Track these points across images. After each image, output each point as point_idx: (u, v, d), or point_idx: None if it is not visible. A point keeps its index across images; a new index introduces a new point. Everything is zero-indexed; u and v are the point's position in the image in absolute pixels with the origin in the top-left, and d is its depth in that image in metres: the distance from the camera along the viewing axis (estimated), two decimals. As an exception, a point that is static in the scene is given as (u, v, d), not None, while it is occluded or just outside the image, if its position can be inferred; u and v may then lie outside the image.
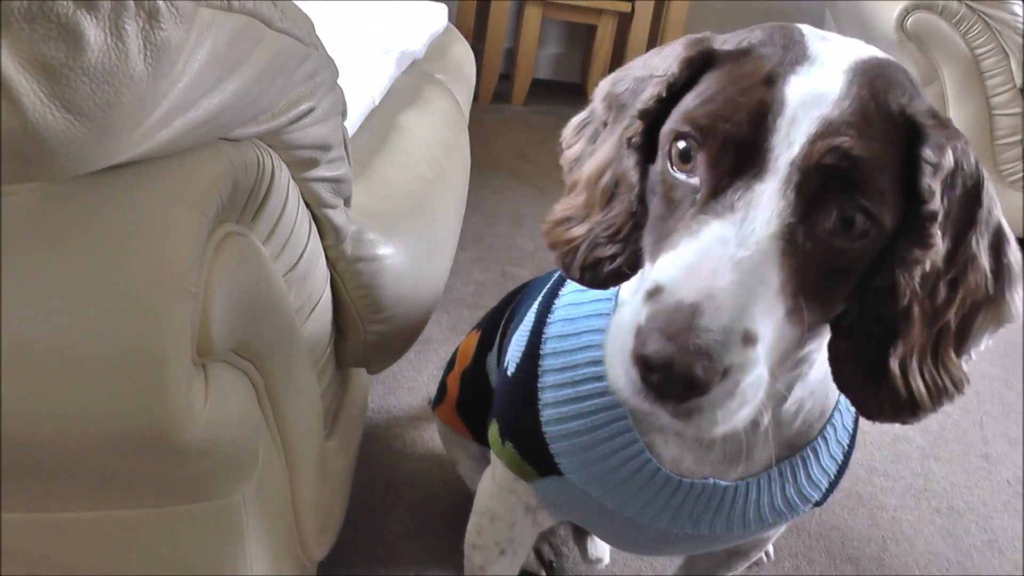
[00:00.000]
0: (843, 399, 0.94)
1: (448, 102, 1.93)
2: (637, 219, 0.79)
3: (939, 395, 0.74)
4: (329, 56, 0.84)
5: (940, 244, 0.70)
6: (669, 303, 0.63)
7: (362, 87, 1.46)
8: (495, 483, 1.08)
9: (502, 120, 3.84)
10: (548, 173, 3.26)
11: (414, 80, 1.88)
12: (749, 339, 0.62)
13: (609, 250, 0.80)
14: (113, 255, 0.64)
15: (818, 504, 0.98)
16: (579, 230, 0.83)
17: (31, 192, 0.63)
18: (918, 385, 0.72)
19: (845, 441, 0.97)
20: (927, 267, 0.69)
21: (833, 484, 0.97)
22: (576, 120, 0.90)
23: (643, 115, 0.77)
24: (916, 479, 1.90)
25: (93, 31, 0.47)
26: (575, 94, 4.39)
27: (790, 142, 0.66)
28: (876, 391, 0.73)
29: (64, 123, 0.49)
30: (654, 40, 4.18)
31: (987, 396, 2.29)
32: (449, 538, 1.49)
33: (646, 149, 0.78)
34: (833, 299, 0.71)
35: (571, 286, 0.98)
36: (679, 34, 3.78)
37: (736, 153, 0.68)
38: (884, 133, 0.68)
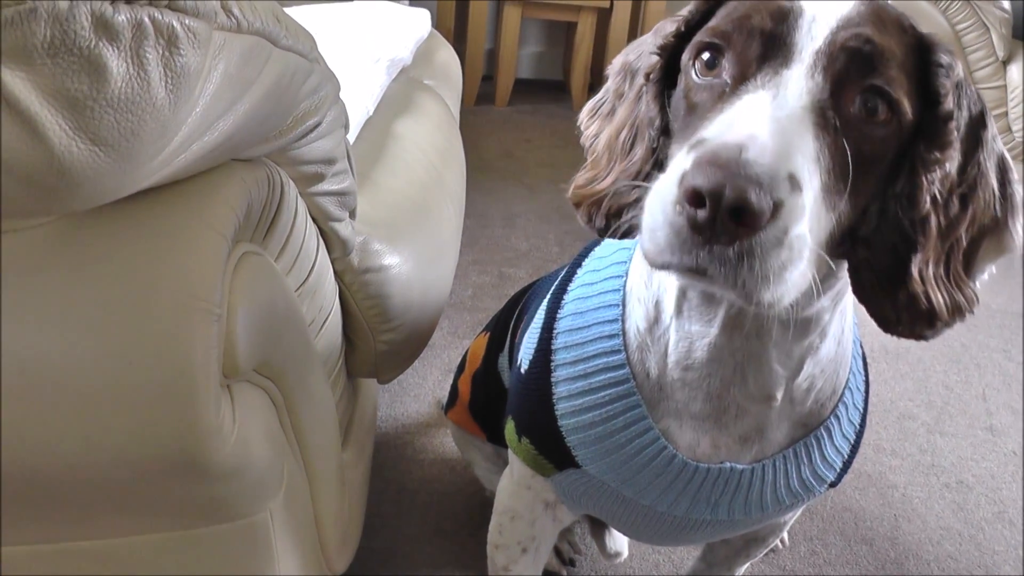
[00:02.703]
0: (853, 380, 0.95)
1: (439, 107, 1.93)
2: (658, 155, 0.80)
3: (955, 309, 0.74)
4: (331, 70, 0.84)
5: (958, 144, 0.72)
6: (714, 143, 0.62)
7: (357, 97, 1.46)
8: (513, 481, 1.09)
9: (487, 122, 3.85)
10: (537, 172, 3.27)
11: (404, 87, 1.88)
12: (795, 182, 0.61)
13: (633, 195, 0.80)
14: (138, 281, 0.64)
15: (833, 485, 0.99)
16: (603, 184, 0.83)
17: (55, 222, 0.63)
18: (937, 295, 0.73)
19: (856, 420, 0.97)
20: (947, 168, 0.71)
21: (847, 464, 0.98)
22: (590, 103, 0.92)
23: (662, 50, 0.80)
24: (923, 455, 1.91)
25: (115, 62, 0.48)
26: (558, 92, 4.40)
27: (812, 36, 0.69)
28: (895, 300, 0.73)
29: (89, 155, 0.49)
30: (634, 34, 4.18)
31: (988, 368, 2.30)
32: (465, 541, 1.50)
33: (664, 84, 0.80)
34: (860, 192, 0.71)
35: (579, 281, 0.99)
36: (659, 26, 3.78)
37: (763, 44, 0.70)
38: (898, 37, 0.71)
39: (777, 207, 0.60)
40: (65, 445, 0.66)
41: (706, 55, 0.73)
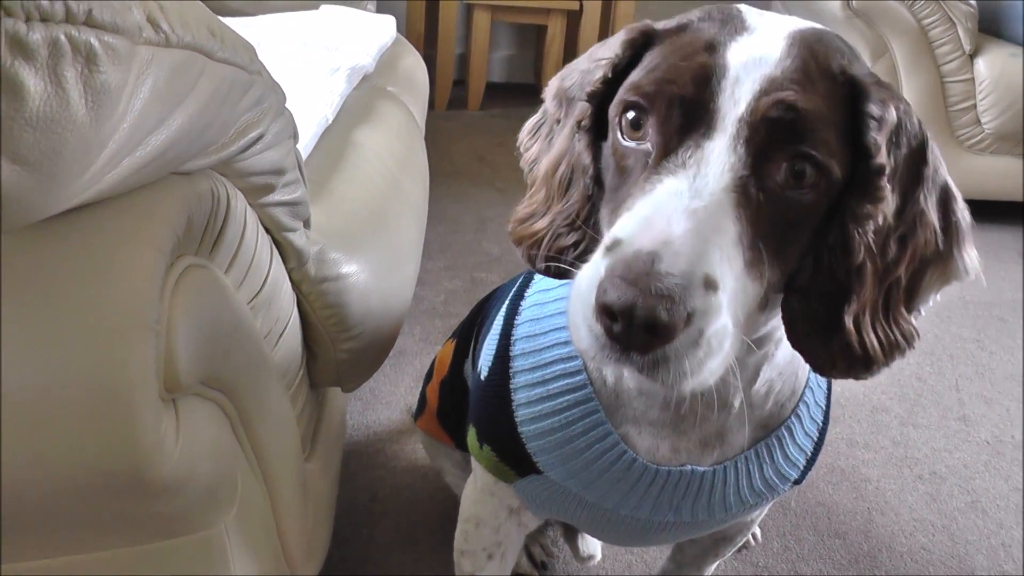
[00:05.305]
0: (814, 378, 0.95)
1: (401, 114, 1.93)
2: (594, 201, 0.80)
3: (891, 350, 0.75)
4: (275, 81, 0.83)
5: (890, 198, 0.71)
6: (627, 252, 0.62)
7: (314, 106, 1.46)
8: (477, 488, 1.09)
9: (459, 126, 3.84)
10: (509, 176, 3.27)
11: (366, 95, 1.88)
12: (710, 284, 0.62)
13: (571, 238, 0.81)
14: (71, 299, 0.63)
15: (797, 482, 0.99)
16: (541, 223, 0.84)
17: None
18: (871, 340, 0.73)
19: (819, 418, 0.98)
20: (879, 221, 0.70)
21: (810, 462, 0.99)
22: (530, 123, 0.92)
23: (591, 97, 0.79)
24: (896, 448, 1.92)
25: (32, 80, 0.47)
26: (530, 95, 4.40)
27: (735, 100, 0.68)
28: (828, 347, 0.74)
29: (12, 174, 0.49)
30: (605, 36, 4.19)
31: (961, 358, 2.31)
32: (437, 548, 1.50)
33: (597, 131, 0.80)
34: (789, 254, 0.72)
35: (536, 287, 0.99)
36: (628, 27, 3.80)
37: (684, 113, 0.69)
38: (827, 90, 0.70)
39: (691, 315, 0.61)
40: (3, 465, 0.65)
41: (631, 115, 0.73)
